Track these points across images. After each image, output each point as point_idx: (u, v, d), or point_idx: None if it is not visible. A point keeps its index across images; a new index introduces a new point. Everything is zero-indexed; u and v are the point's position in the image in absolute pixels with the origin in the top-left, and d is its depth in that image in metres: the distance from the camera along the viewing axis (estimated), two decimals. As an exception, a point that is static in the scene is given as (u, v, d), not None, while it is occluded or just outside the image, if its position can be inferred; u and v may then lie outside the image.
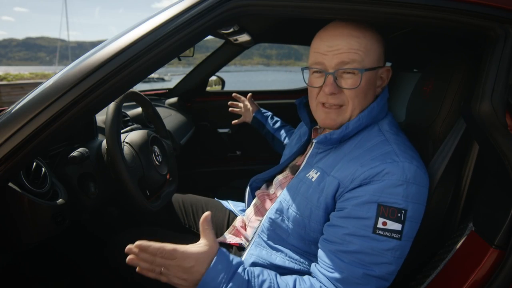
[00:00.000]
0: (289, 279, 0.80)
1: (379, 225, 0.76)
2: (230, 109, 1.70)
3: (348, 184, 0.80)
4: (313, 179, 0.88)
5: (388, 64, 1.59)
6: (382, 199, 0.76)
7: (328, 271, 0.79)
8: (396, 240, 0.76)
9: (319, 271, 0.81)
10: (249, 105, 1.66)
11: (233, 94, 1.71)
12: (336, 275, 0.77)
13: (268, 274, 0.79)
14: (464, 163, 0.89)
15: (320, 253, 0.82)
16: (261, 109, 1.66)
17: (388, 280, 0.78)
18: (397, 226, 0.76)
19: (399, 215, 0.76)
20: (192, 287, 0.72)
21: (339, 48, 0.84)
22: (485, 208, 0.82)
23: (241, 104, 1.68)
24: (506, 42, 0.73)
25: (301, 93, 2.57)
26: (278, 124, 1.61)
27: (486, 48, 0.77)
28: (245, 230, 1.10)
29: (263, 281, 0.76)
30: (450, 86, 0.88)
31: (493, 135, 0.73)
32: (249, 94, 1.68)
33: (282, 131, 1.58)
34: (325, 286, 0.78)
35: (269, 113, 1.66)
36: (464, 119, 0.85)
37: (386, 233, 0.76)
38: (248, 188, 1.20)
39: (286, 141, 1.54)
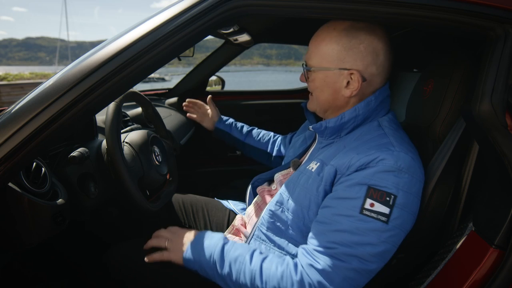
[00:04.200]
0: (263, 256, 0.88)
1: (366, 206, 0.77)
2: (187, 114, 1.57)
3: (345, 171, 0.82)
4: (312, 170, 0.90)
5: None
6: (373, 182, 0.78)
7: (311, 246, 0.82)
8: (381, 223, 0.77)
9: (302, 247, 0.84)
10: (209, 110, 1.54)
11: (187, 100, 1.56)
12: (317, 248, 0.80)
13: (245, 249, 0.89)
14: (464, 163, 0.89)
15: (310, 234, 0.85)
16: (222, 116, 1.54)
17: (371, 261, 0.78)
18: (384, 209, 0.77)
19: (387, 199, 0.77)
20: (184, 248, 0.95)
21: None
22: (485, 208, 0.82)
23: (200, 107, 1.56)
24: (506, 42, 0.73)
25: (301, 93, 2.57)
26: (245, 129, 1.53)
27: (486, 48, 0.77)
28: (245, 228, 1.10)
29: (237, 254, 0.88)
30: (450, 86, 0.88)
31: (493, 135, 0.73)
32: (209, 96, 1.54)
33: (253, 134, 1.52)
34: (301, 262, 0.82)
35: (231, 119, 1.54)
36: (464, 119, 0.85)
37: (372, 214, 0.77)
38: (249, 187, 1.21)
39: (263, 141, 1.50)
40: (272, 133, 1.54)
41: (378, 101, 0.91)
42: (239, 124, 1.55)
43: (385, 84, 0.94)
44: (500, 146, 0.73)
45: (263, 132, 1.54)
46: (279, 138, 1.50)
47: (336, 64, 0.89)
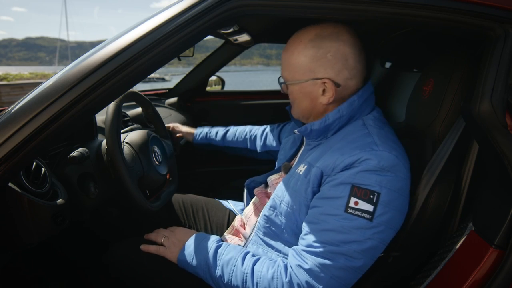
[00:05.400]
0: (255, 258, 0.89)
1: (351, 204, 0.79)
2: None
3: (330, 172, 0.84)
4: (301, 172, 0.91)
5: (388, 64, 1.60)
6: (356, 181, 0.79)
7: (300, 247, 0.84)
8: (366, 220, 0.78)
9: (293, 249, 0.85)
10: (179, 135, 1.64)
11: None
12: (305, 248, 0.81)
13: (237, 252, 0.91)
14: (463, 163, 0.89)
15: (300, 235, 0.86)
16: (197, 131, 1.62)
17: (358, 258, 0.79)
18: (368, 207, 0.78)
19: (371, 196, 0.78)
20: (179, 248, 0.97)
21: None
22: (485, 208, 0.82)
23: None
24: (506, 42, 0.73)
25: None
26: (221, 133, 1.58)
27: (486, 48, 0.77)
28: (244, 229, 1.10)
29: (229, 258, 0.90)
30: (449, 86, 0.88)
31: (493, 135, 0.73)
32: (171, 127, 1.63)
33: (229, 136, 1.57)
34: (290, 263, 0.82)
35: (205, 129, 1.61)
36: (464, 118, 0.85)
37: (357, 212, 0.78)
38: (245, 189, 1.21)
39: (241, 139, 1.54)
40: (248, 129, 1.56)
41: (361, 100, 0.92)
42: (214, 131, 1.60)
43: (365, 83, 0.95)
44: (500, 146, 0.73)
45: (240, 129, 1.57)
46: (259, 132, 1.51)
47: (308, 75, 0.91)
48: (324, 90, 0.91)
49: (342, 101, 0.93)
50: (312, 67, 0.90)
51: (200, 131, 1.61)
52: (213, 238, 0.97)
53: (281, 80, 0.98)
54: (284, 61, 0.95)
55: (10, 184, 0.76)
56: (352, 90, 0.93)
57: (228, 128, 1.60)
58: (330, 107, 0.94)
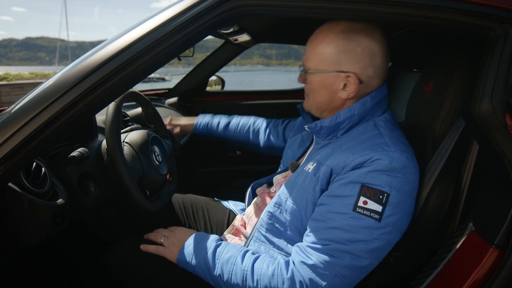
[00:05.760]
0: (255, 256, 0.89)
1: (360, 204, 0.78)
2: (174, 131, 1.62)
3: (340, 170, 0.83)
4: (309, 170, 0.91)
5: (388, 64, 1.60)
6: (366, 180, 0.79)
7: (305, 243, 0.83)
8: (374, 220, 0.78)
9: (297, 245, 0.85)
10: (177, 129, 1.61)
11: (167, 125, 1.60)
12: (311, 245, 0.81)
13: (237, 251, 0.91)
14: (463, 162, 0.89)
15: (305, 232, 0.86)
16: (198, 120, 1.60)
17: (364, 258, 0.79)
18: (377, 207, 0.78)
19: (380, 197, 0.78)
20: (179, 248, 0.97)
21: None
22: (485, 207, 0.82)
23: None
24: (506, 42, 0.73)
25: (301, 93, 2.56)
26: (223, 123, 1.55)
27: (486, 48, 0.77)
28: (245, 228, 1.10)
29: (229, 256, 0.90)
30: (449, 86, 0.88)
31: (493, 135, 0.73)
32: (168, 120, 1.59)
33: (232, 127, 1.55)
34: (293, 259, 0.82)
35: (206, 118, 1.58)
36: (464, 118, 0.85)
37: (365, 211, 0.78)
38: (249, 190, 1.21)
39: (243, 131, 1.53)
40: (252, 121, 1.54)
41: (374, 101, 0.91)
42: (216, 121, 1.57)
43: (382, 84, 0.94)
44: (500, 146, 0.73)
45: (243, 121, 1.55)
46: (263, 126, 1.50)
47: (333, 67, 0.89)
48: (345, 85, 0.90)
49: (360, 98, 0.92)
50: (339, 58, 0.88)
51: (201, 121, 1.58)
52: (212, 238, 0.97)
53: (301, 68, 0.97)
54: (309, 50, 0.93)
55: (10, 184, 0.76)
56: (373, 89, 0.92)
57: (231, 118, 1.57)
58: (348, 103, 0.93)
